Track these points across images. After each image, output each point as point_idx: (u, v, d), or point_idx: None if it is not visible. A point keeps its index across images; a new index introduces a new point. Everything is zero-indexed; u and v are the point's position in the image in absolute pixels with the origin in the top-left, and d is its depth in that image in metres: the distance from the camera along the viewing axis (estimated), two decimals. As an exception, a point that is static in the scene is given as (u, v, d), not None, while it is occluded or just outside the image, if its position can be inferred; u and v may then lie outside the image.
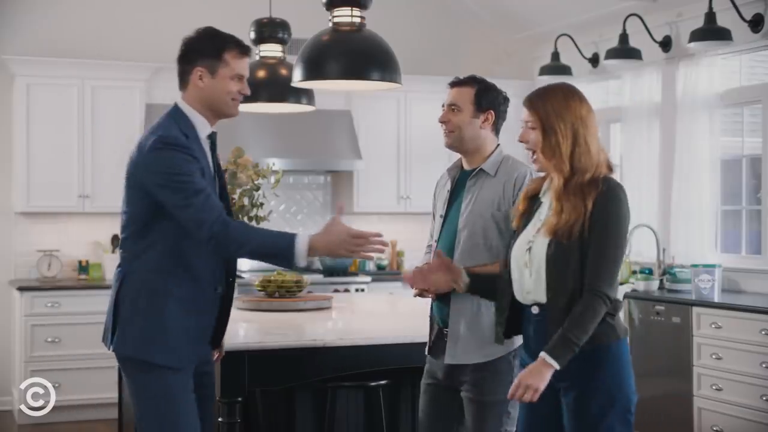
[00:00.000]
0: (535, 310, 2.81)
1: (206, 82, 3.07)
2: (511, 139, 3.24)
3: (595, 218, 2.71)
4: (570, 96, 2.82)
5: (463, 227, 3.30)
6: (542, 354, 2.67)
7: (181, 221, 2.97)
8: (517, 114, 3.04)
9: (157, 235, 3.02)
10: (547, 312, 2.76)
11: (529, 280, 2.81)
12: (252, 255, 3.07)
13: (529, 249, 2.81)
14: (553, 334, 2.70)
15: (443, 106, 3.43)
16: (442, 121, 3.39)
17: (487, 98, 3.37)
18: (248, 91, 3.17)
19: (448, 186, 3.44)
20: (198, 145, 3.07)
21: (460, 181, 3.42)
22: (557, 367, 2.66)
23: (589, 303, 2.68)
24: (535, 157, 2.85)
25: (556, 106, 2.79)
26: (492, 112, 3.37)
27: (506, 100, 3.43)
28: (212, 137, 3.15)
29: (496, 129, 3.41)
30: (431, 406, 3.40)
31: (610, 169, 2.83)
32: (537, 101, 2.83)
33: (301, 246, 2.97)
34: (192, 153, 2.99)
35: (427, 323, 3.45)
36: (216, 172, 3.16)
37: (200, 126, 3.10)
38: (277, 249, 3.00)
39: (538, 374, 2.67)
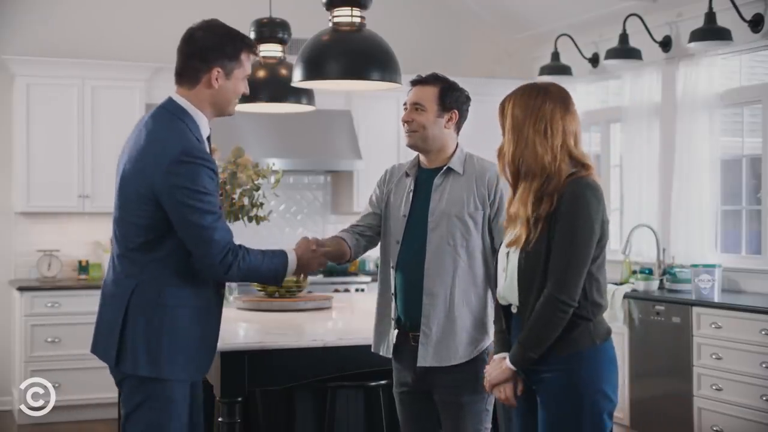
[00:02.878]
0: (513, 309, 2.81)
1: (221, 83, 2.96)
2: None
3: (557, 221, 2.66)
4: (530, 96, 2.77)
5: (434, 227, 3.25)
6: (506, 354, 2.77)
7: (189, 238, 2.85)
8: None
9: (172, 245, 2.87)
10: (521, 314, 2.76)
11: (504, 285, 2.81)
12: (249, 279, 3.10)
13: (508, 254, 2.81)
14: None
15: (405, 105, 3.39)
16: (405, 121, 3.35)
17: (451, 97, 3.33)
18: (248, 91, 3.11)
19: (410, 185, 3.38)
20: (205, 147, 2.97)
21: (421, 180, 3.37)
22: (513, 369, 2.74)
23: (542, 310, 2.66)
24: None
25: (513, 108, 2.77)
26: (456, 111, 3.33)
27: (468, 99, 3.38)
28: (209, 138, 3.06)
29: (458, 128, 3.38)
30: (409, 415, 3.37)
31: (584, 167, 2.73)
32: (502, 105, 2.83)
33: (291, 266, 3.10)
34: (215, 168, 2.89)
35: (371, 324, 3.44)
36: None
37: (204, 127, 2.99)
38: (274, 272, 3.07)
39: (497, 367, 2.78)
